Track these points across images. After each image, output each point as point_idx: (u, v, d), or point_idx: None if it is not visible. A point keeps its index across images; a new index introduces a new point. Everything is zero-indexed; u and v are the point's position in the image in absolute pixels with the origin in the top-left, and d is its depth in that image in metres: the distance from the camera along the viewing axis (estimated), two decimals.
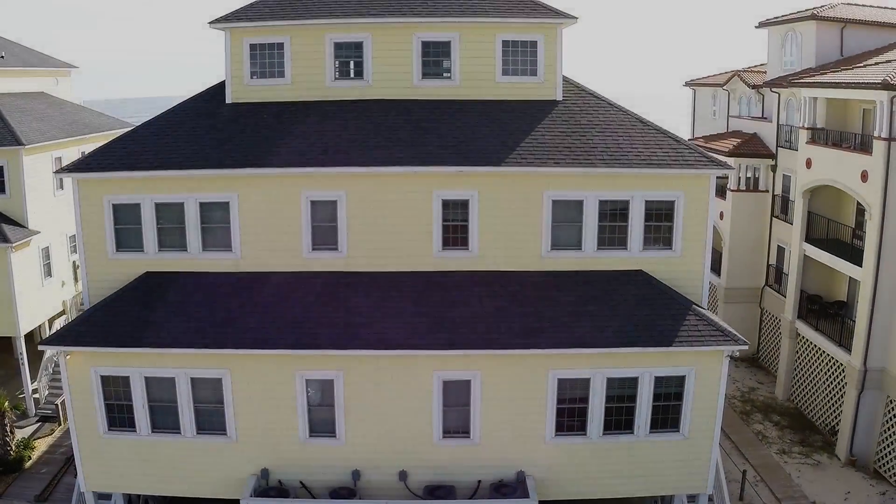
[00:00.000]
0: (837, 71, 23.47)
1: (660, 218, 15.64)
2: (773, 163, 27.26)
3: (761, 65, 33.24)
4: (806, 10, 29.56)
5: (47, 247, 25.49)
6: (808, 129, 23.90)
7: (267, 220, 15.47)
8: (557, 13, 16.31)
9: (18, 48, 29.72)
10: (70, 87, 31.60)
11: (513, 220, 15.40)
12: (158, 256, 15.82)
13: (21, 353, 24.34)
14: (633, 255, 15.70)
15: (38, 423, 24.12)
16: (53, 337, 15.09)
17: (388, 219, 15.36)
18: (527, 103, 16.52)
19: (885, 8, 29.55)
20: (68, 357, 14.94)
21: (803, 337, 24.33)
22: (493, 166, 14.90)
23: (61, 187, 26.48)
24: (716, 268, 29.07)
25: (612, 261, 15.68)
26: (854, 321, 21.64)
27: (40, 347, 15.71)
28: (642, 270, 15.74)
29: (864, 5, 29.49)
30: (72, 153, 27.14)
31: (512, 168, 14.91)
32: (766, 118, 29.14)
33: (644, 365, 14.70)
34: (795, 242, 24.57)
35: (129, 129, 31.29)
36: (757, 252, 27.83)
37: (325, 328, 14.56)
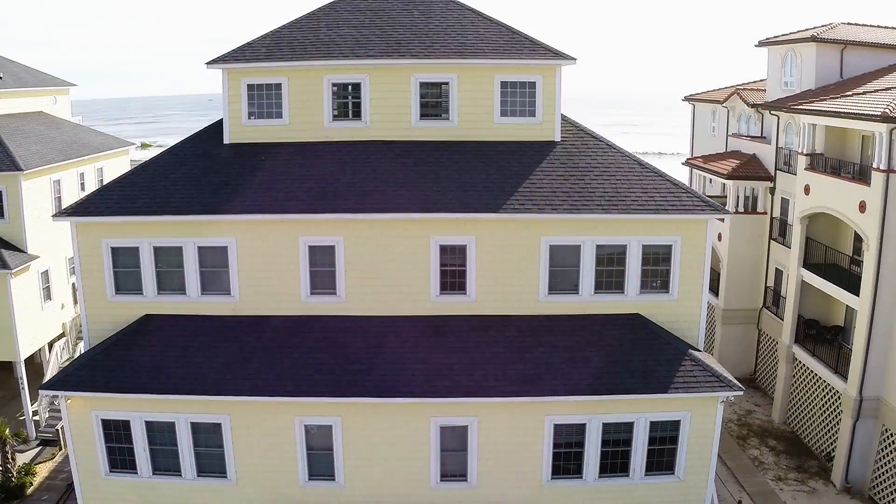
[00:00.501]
0: (837, 97, 23.44)
1: (657, 262, 15.70)
2: (771, 185, 27.30)
3: (761, 80, 33.22)
4: (806, 29, 29.54)
5: (46, 270, 25.58)
6: (806, 155, 23.93)
7: (265, 264, 15.53)
8: (556, 54, 16.29)
9: (17, 67, 29.65)
10: (68, 105, 31.56)
11: (510, 264, 15.46)
12: (157, 299, 15.88)
13: (21, 378, 24.49)
14: (631, 299, 15.77)
15: (39, 447, 24.30)
16: (54, 381, 15.16)
17: (386, 263, 15.42)
18: (525, 144, 16.53)
19: (886, 27, 29.49)
20: (69, 401, 15.05)
21: (800, 362, 24.46)
22: (491, 213, 14.94)
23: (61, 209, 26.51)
24: (714, 288, 29.15)
25: (610, 304, 15.75)
26: (851, 346, 21.77)
27: (41, 392, 15.76)
28: (639, 314, 15.81)
29: (864, 24, 29.46)
30: (70, 175, 27.22)
31: (510, 215, 14.95)
32: (764, 137, 29.14)
33: (640, 410, 14.81)
34: (793, 267, 24.65)
35: (128, 146, 31.48)
36: (755, 274, 27.92)
37: (324, 375, 14.66)
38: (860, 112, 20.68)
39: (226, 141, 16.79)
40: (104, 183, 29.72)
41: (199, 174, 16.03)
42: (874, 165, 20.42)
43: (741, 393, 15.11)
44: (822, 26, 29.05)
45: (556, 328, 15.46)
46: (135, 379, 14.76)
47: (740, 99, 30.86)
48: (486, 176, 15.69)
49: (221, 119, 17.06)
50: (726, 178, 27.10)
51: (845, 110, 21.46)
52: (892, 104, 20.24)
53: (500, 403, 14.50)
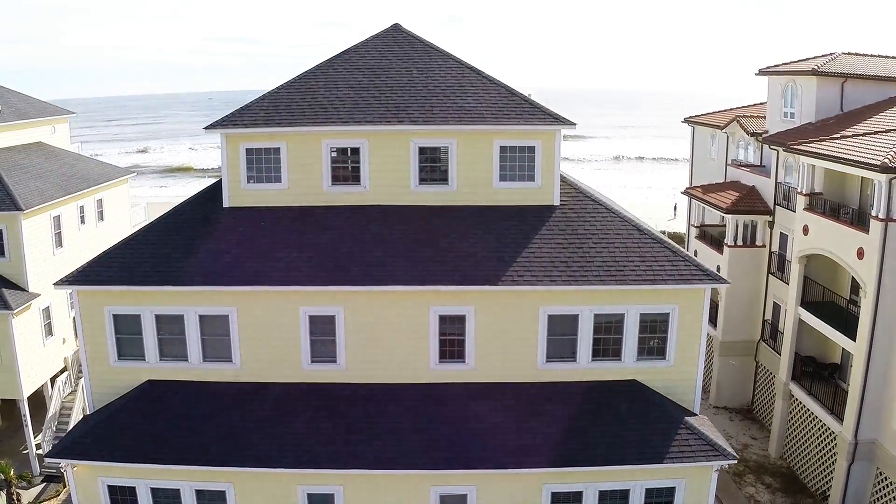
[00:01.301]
0: (837, 138, 23.42)
1: (654, 329, 15.83)
2: (770, 219, 27.34)
3: (762, 103, 33.13)
4: (807, 59, 29.43)
5: (48, 307, 25.69)
6: (805, 195, 23.94)
7: (266, 332, 15.66)
8: (556, 119, 16.30)
9: (16, 97, 29.55)
10: (67, 133, 31.50)
11: (509, 333, 15.59)
12: (160, 365, 16.04)
13: (25, 415, 24.70)
14: (627, 366, 15.93)
15: (44, 484, 24.57)
16: (60, 450, 15.35)
17: (385, 332, 15.55)
18: (524, 208, 16.59)
19: (887, 57, 29.37)
20: (75, 469, 15.27)
21: (797, 399, 24.66)
22: (489, 285, 15.03)
23: (60, 245, 26.61)
24: (712, 319, 29.32)
25: (607, 371, 15.91)
26: (847, 385, 21.96)
27: (46, 460, 15.96)
28: (636, 380, 15.97)
29: (864, 55, 29.35)
30: (70, 209, 27.25)
31: (508, 287, 15.05)
32: (764, 167, 29.15)
33: (635, 478, 15.03)
34: (791, 306, 24.76)
35: (127, 174, 31.09)
36: (753, 306, 28.04)
37: (325, 445, 14.84)
38: (860, 160, 20.67)
39: (225, 205, 16.85)
40: (103, 214, 29.87)
41: (199, 241, 16.11)
42: (873, 213, 20.46)
43: (735, 461, 15.32)
44: (824, 56, 28.95)
45: (554, 396, 15.62)
46: (140, 448, 14.96)
47: (740, 126, 30.82)
48: (485, 244, 15.77)
49: (220, 180, 17.07)
50: (725, 213, 27.13)
51: (845, 156, 21.44)
52: (891, 153, 20.25)
53: (498, 474, 14.69)
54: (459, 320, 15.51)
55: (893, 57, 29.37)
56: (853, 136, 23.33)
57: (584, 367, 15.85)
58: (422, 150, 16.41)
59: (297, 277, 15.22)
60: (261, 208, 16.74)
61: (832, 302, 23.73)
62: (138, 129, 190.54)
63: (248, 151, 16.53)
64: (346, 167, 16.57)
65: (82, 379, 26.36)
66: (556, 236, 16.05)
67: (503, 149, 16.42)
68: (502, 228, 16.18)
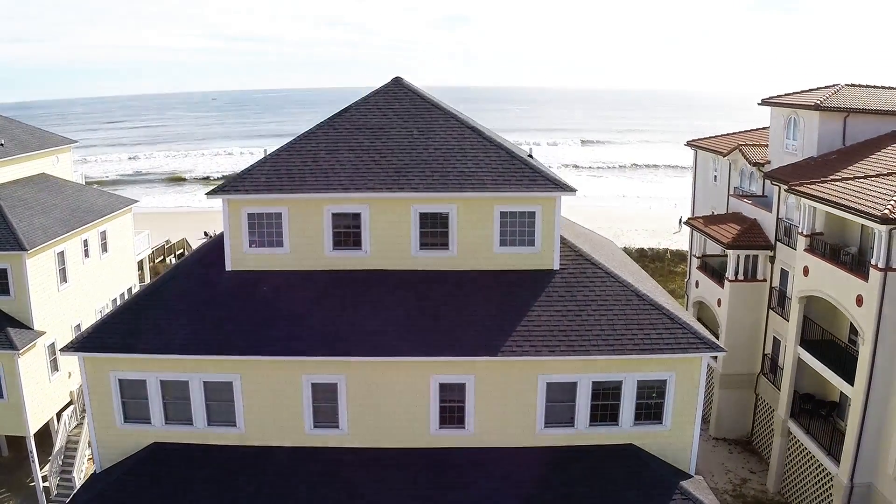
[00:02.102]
0: (837, 180, 23.41)
1: (651, 395, 16.00)
2: (771, 254, 27.41)
3: (765, 128, 33.09)
4: (810, 90, 29.36)
5: (53, 342, 25.96)
6: (806, 236, 24.00)
7: (269, 398, 15.88)
8: (556, 184, 16.38)
9: (18, 128, 29.67)
10: (70, 162, 31.62)
11: (508, 400, 15.79)
12: (165, 428, 16.28)
13: (31, 452, 25.08)
14: (625, 431, 16.12)
15: None
16: None
17: (387, 399, 15.76)
18: (524, 273, 16.71)
19: (890, 88, 29.27)
20: None
21: (795, 437, 24.88)
22: (489, 356, 15.20)
23: (65, 280, 26.83)
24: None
25: (604, 436, 16.10)
26: (845, 424, 22.14)
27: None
28: (633, 444, 16.17)
29: (868, 86, 29.26)
30: (74, 244, 27.45)
31: (508, 358, 15.21)
32: (766, 197, 29.17)
33: None
34: (790, 345, 24.90)
35: (131, 203, 31.02)
36: (753, 339, 28.19)
37: None
38: (861, 209, 20.69)
39: (227, 268, 17.00)
40: (107, 245, 30.04)
41: (202, 307, 16.28)
42: (872, 262, 20.53)
43: None
44: (826, 88, 28.89)
45: (552, 460, 15.82)
46: None
47: (742, 155, 30.81)
48: (486, 312, 15.91)
49: (223, 241, 17.21)
50: (727, 248, 27.21)
51: (846, 203, 21.45)
52: (892, 202, 20.28)
53: None
54: (459, 388, 15.71)
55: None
56: (854, 178, 23.33)
57: (582, 432, 16.05)
58: (423, 216, 16.51)
59: (299, 347, 15.40)
60: (263, 272, 16.89)
61: (832, 340, 23.86)
62: (142, 133, 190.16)
63: (250, 216, 16.66)
64: (347, 232, 16.69)
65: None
66: (556, 303, 16.18)
67: (504, 214, 16.52)
68: (502, 295, 16.31)
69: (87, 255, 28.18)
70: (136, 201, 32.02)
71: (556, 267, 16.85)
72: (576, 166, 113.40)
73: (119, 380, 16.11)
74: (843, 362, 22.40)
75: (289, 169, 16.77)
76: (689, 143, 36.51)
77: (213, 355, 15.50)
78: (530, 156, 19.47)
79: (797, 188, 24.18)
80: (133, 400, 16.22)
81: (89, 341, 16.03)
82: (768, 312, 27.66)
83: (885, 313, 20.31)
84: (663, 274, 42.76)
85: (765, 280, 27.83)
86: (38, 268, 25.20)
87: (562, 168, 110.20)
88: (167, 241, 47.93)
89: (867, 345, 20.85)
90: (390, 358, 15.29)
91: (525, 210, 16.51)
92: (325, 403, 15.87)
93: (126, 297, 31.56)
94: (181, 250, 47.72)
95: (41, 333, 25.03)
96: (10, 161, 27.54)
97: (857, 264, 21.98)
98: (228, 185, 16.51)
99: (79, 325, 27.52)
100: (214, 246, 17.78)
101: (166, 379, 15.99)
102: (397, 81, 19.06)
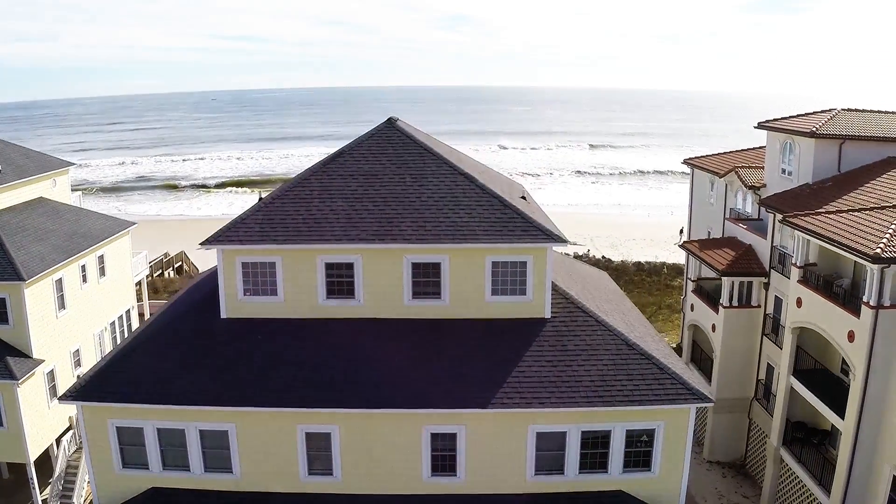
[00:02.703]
0: (832, 212, 23.50)
1: (640, 443, 16.20)
2: (765, 281, 27.53)
3: (762, 147, 33.12)
4: (806, 115, 29.40)
5: (52, 369, 26.20)
6: (800, 267, 24.12)
7: (264, 446, 16.11)
8: (547, 235, 16.51)
9: (15, 152, 29.77)
10: (68, 184, 31.74)
11: (499, 448, 16.00)
12: (163, 474, 16.53)
13: (31, 478, 25.37)
14: (614, 478, 16.34)
15: None
16: None
17: (380, 447, 15.98)
18: (516, 322, 16.88)
19: (886, 113, 29.29)
20: None
21: (787, 465, 25.11)
22: (480, 408, 15.40)
23: (63, 307, 27.03)
24: (706, 374, 29.72)
25: (594, 483, 16.33)
26: (836, 453, 22.36)
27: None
28: (622, 490, 16.40)
29: (864, 111, 29.28)
30: (72, 270, 27.62)
31: (498, 409, 15.41)
32: (762, 220, 29.25)
33: None
34: (783, 374, 25.09)
35: (129, 226, 30.81)
36: (747, 364, 28.36)
37: None
38: (854, 247, 20.78)
39: (223, 315, 17.18)
40: (105, 270, 30.20)
41: (198, 356, 16.48)
42: (864, 299, 20.67)
43: None
44: (823, 113, 28.93)
45: None
46: None
47: (738, 178, 30.89)
48: (477, 362, 16.10)
49: (216, 280, 17.36)
50: (721, 275, 27.34)
51: (839, 239, 21.54)
52: (884, 239, 20.38)
53: None
54: (451, 437, 15.92)
55: (893, 112, 29.28)
56: (848, 210, 23.42)
57: (572, 480, 16.28)
58: (415, 265, 16.67)
59: (294, 399, 15.60)
60: (258, 320, 17.07)
61: (824, 370, 24.04)
62: (140, 136, 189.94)
63: (244, 265, 16.84)
64: (340, 281, 16.85)
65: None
66: (546, 352, 16.36)
67: (495, 264, 16.68)
68: (494, 344, 16.49)
69: (84, 280, 28.37)
70: (134, 224, 32.14)
71: (548, 315, 17.01)
72: (579, 172, 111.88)
73: (117, 427, 16.34)
74: (835, 395, 22.58)
75: (282, 218, 16.91)
76: (686, 162, 36.55)
77: (209, 406, 15.72)
78: (523, 197, 19.60)
79: (791, 220, 24.28)
80: (131, 446, 16.46)
81: (87, 390, 16.25)
82: (762, 339, 27.82)
83: (877, 350, 20.49)
84: (660, 288, 42.94)
85: (759, 306, 27.97)
86: (36, 297, 25.39)
87: (568, 175, 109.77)
88: (165, 254, 48.10)
89: (858, 380, 21.04)
90: (383, 410, 15.49)
91: (517, 260, 16.66)
92: (319, 451, 16.09)
93: (124, 319, 31.79)
94: (179, 263, 47.90)
95: (40, 362, 25.25)
96: (7, 188, 27.66)
97: (850, 298, 22.12)
98: (223, 235, 16.66)
99: (77, 351, 27.77)
100: (209, 288, 17.91)
101: (163, 427, 16.21)
102: (391, 123, 19.16)
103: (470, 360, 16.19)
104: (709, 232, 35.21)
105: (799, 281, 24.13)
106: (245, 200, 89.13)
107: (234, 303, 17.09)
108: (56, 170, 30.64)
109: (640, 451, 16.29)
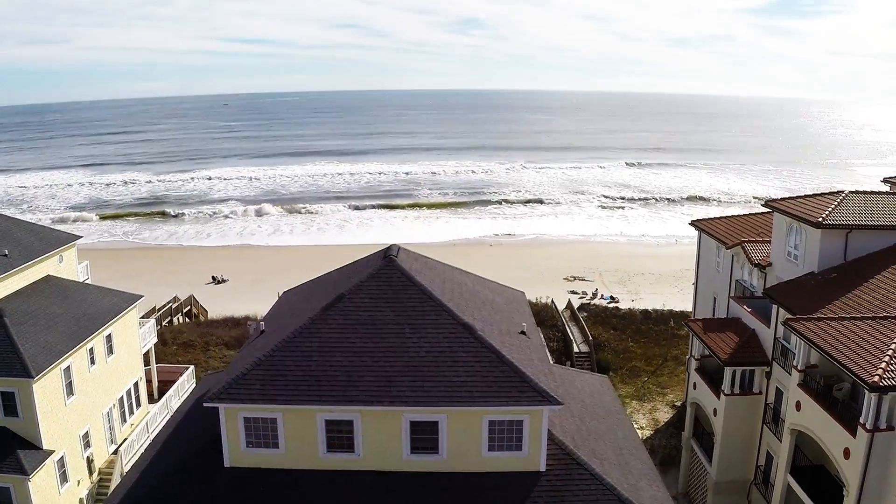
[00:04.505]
0: (833, 319, 23.36)
1: None
2: (768, 370, 27.49)
3: (767, 213, 32.80)
4: (814, 196, 29.05)
5: (62, 457, 26.71)
6: (800, 371, 24.08)
7: None
8: (543, 397, 16.58)
9: (22, 230, 29.96)
10: (75, 257, 31.95)
11: None
12: None
13: None
14: None
15: None
16: None
17: None
18: (511, 475, 17.05)
19: (893, 194, 28.90)
20: None
21: None
22: None
23: (72, 393, 27.44)
24: (707, 451, 29.85)
25: None
26: None
27: None
28: None
29: (872, 192, 28.89)
30: (80, 356, 27.96)
31: None
32: (766, 299, 29.10)
33: None
34: (780, 472, 25.22)
35: (137, 299, 30.83)
36: (748, 448, 28.46)
37: None
38: (854, 371, 20.71)
39: (226, 464, 17.46)
40: (113, 348, 30.53)
41: None
42: (861, 421, 20.69)
43: None
44: (831, 195, 28.61)
45: None
46: None
47: (744, 253, 30.70)
48: None
49: (220, 434, 17.61)
50: (724, 364, 27.32)
51: (839, 357, 21.45)
52: (883, 364, 20.31)
53: None
54: None
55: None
56: (850, 318, 23.28)
57: None
58: (414, 423, 16.83)
59: None
60: (260, 470, 17.34)
61: (822, 467, 24.13)
62: (152, 148, 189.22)
63: (247, 420, 17.07)
64: (340, 436, 17.05)
65: None
66: None
67: (492, 423, 16.80)
68: (490, 499, 16.67)
69: (93, 362, 28.74)
70: (141, 297, 32.39)
71: (543, 468, 17.16)
72: (603, 202, 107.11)
73: None
74: (832, 499, 22.68)
75: (283, 374, 17.07)
76: (693, 224, 36.29)
77: None
78: (523, 332, 19.63)
79: (793, 324, 24.16)
80: None
81: None
82: (762, 429, 27.87)
83: (871, 471, 20.59)
84: (667, 338, 42.91)
85: (760, 393, 27.97)
86: (45, 389, 25.78)
87: (589, 197, 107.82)
88: (175, 299, 48.35)
89: (851, 497, 21.15)
90: None
91: (513, 419, 16.77)
92: None
93: (132, 392, 32.21)
94: (188, 307, 48.14)
95: (50, 453, 25.75)
96: (14, 273, 27.93)
97: (849, 407, 22.11)
98: (225, 394, 16.86)
99: (86, 433, 28.28)
100: (211, 443, 17.94)
101: None
102: (390, 262, 19.16)
103: None
104: (714, 297, 35.08)
105: (799, 385, 24.11)
106: (258, 224, 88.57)
107: (237, 453, 17.36)
108: (63, 246, 30.86)
109: None
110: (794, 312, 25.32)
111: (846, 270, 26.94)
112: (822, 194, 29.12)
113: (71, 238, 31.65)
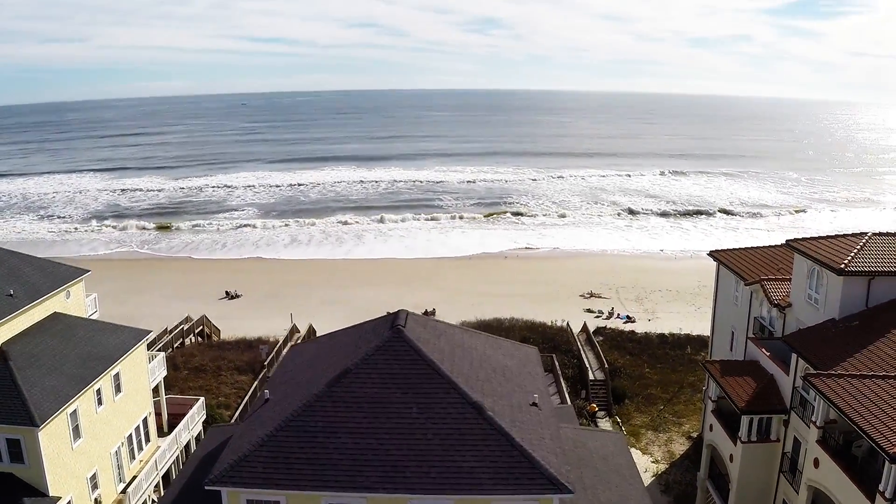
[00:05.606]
0: (854, 376, 22.52)
1: None
2: (785, 418, 26.68)
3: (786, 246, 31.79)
4: (836, 237, 28.08)
5: (69, 502, 26.60)
6: (819, 427, 23.30)
7: None
8: (554, 484, 15.99)
9: (28, 266, 29.70)
10: (82, 291, 31.75)
11: None
12: None
13: None
14: None
15: None
16: None
17: None
18: None
19: None
20: None
21: None
22: None
23: (79, 436, 27.30)
24: (723, 494, 29.14)
25: None
26: None
27: None
28: None
29: (894, 234, 27.83)
30: (87, 398, 27.75)
31: None
32: (782, 342, 28.25)
33: None
34: None
35: (145, 334, 30.11)
36: (763, 494, 27.75)
37: None
38: (874, 438, 19.91)
39: None
40: (121, 386, 30.34)
41: None
42: (881, 489, 19.94)
43: None
44: (854, 237, 27.60)
45: None
46: None
47: (763, 292, 29.82)
48: None
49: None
50: (741, 412, 26.56)
51: (859, 422, 20.63)
52: None
53: None
54: None
55: None
56: (872, 376, 22.44)
57: None
58: None
59: None
60: None
61: None
62: (171, 152, 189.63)
63: (249, 502, 16.69)
64: None
65: None
66: None
67: None
68: None
69: (100, 403, 28.58)
70: (150, 332, 32.17)
71: None
72: (622, 212, 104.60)
73: None
74: None
75: (287, 456, 16.64)
76: (711, 255, 35.37)
77: None
78: (534, 404, 19.06)
79: (813, 381, 23.33)
80: None
81: None
82: (779, 478, 27.11)
83: None
84: (683, 363, 42.08)
85: (778, 440, 27.19)
86: (50, 436, 25.62)
87: (607, 207, 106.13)
88: (187, 319, 48.21)
89: None
90: None
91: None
92: None
93: (141, 429, 32.04)
94: (200, 327, 47.94)
95: (56, 500, 25.65)
96: (21, 313, 27.77)
97: (868, 469, 21.35)
98: (227, 478, 16.47)
99: (94, 475, 28.18)
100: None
101: None
102: (398, 334, 18.59)
103: None
104: (732, 331, 34.22)
105: (817, 441, 23.33)
106: (275, 234, 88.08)
107: None
108: (70, 282, 30.66)
109: None
110: (815, 364, 24.49)
111: (868, 318, 26.00)
112: (844, 235, 28.13)
113: (78, 272, 31.45)
